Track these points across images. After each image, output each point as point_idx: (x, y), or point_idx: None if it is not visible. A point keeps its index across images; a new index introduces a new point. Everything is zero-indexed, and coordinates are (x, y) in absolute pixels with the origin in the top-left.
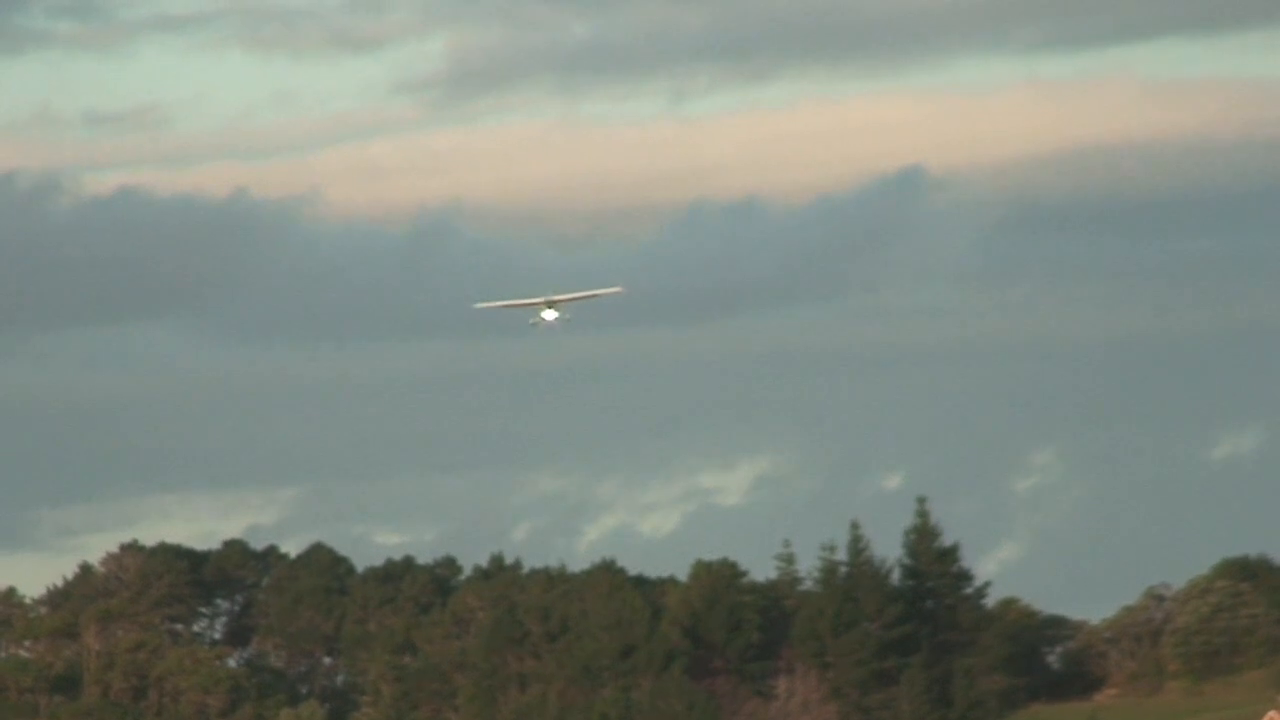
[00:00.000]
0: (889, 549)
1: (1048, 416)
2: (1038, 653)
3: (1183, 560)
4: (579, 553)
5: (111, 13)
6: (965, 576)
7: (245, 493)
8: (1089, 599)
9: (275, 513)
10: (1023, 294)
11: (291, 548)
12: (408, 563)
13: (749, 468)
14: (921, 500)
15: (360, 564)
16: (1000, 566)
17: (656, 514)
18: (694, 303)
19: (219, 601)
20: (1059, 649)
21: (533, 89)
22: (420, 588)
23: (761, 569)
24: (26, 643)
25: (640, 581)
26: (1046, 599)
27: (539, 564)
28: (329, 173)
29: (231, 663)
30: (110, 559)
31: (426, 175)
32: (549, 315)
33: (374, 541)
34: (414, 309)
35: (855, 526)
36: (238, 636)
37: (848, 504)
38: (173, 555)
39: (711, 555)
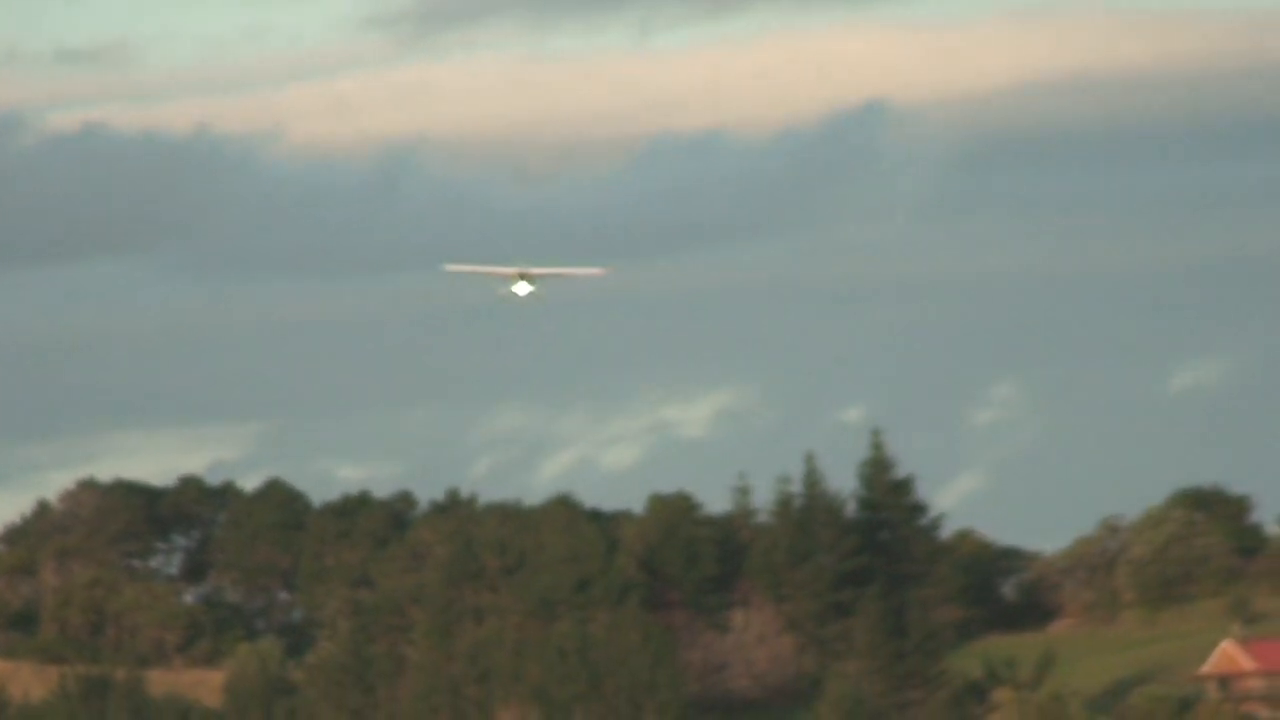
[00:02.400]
0: (848, 482)
1: (1007, 350)
2: (992, 584)
3: (1139, 491)
4: (538, 487)
5: None
6: (920, 508)
7: (209, 428)
8: (1045, 530)
9: (238, 448)
10: (984, 228)
11: (254, 483)
12: (364, 497)
13: (711, 401)
14: (876, 433)
15: (318, 499)
16: (959, 499)
17: (618, 447)
18: (656, 236)
19: (175, 537)
20: (1014, 580)
21: (501, 23)
22: (376, 522)
23: (721, 502)
24: None
25: (596, 515)
26: (1003, 530)
27: (498, 498)
28: (293, 108)
29: (188, 598)
30: (67, 495)
31: (391, 111)
32: (521, 289)
33: (337, 476)
34: (376, 245)
35: (810, 459)
36: (194, 572)
37: (808, 437)
38: (129, 492)
39: (672, 488)
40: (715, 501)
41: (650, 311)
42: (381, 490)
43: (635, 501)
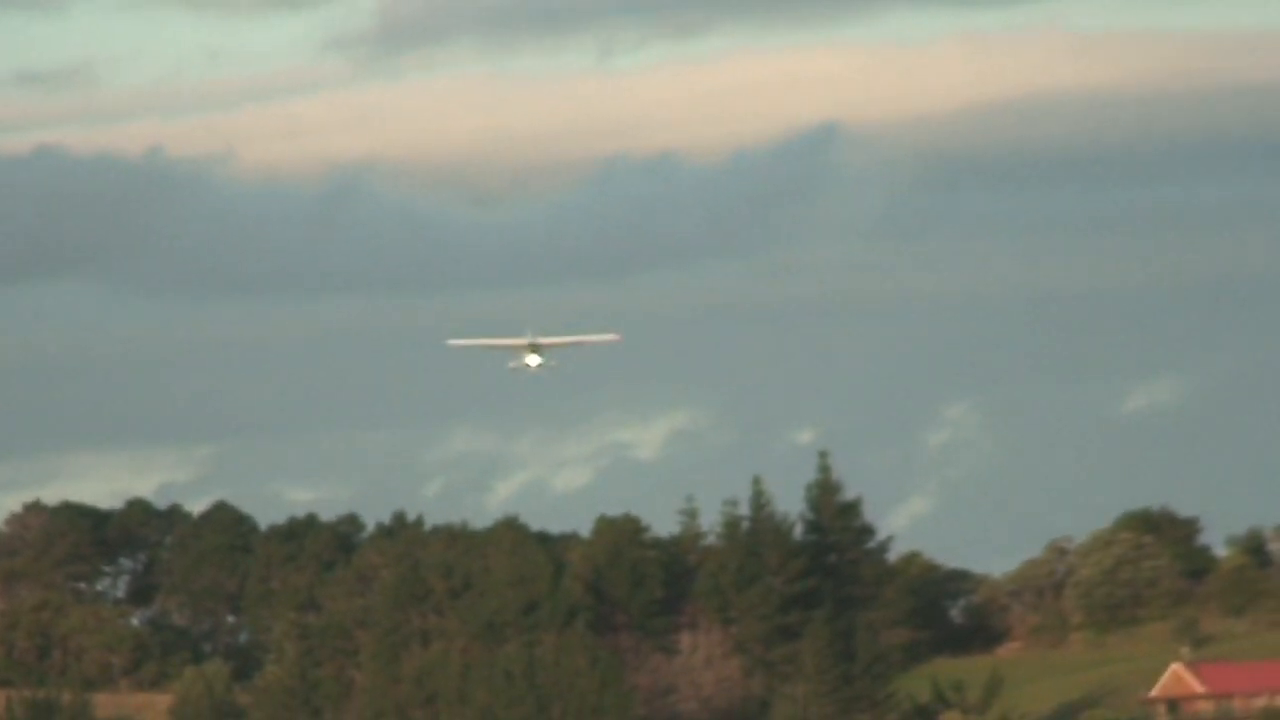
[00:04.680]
0: (800, 504)
1: (961, 371)
2: (940, 606)
3: (1088, 513)
4: (490, 509)
5: None
6: (868, 531)
7: (159, 451)
8: (995, 552)
9: (188, 470)
10: (938, 249)
11: (204, 506)
12: (310, 520)
13: (665, 423)
14: (824, 454)
15: (267, 521)
16: (911, 521)
17: (570, 469)
18: (610, 259)
19: (122, 560)
20: (962, 602)
21: (460, 45)
22: (323, 545)
23: (671, 524)
24: None
25: (544, 538)
26: (952, 553)
27: (449, 520)
28: (248, 131)
29: (135, 621)
30: (13, 519)
31: (346, 133)
32: (531, 360)
33: (287, 499)
34: (328, 267)
35: (757, 481)
36: (141, 595)
37: (760, 459)
38: (75, 514)
39: (624, 510)
40: (666, 524)
41: (605, 332)
42: (333, 512)
43: (586, 523)
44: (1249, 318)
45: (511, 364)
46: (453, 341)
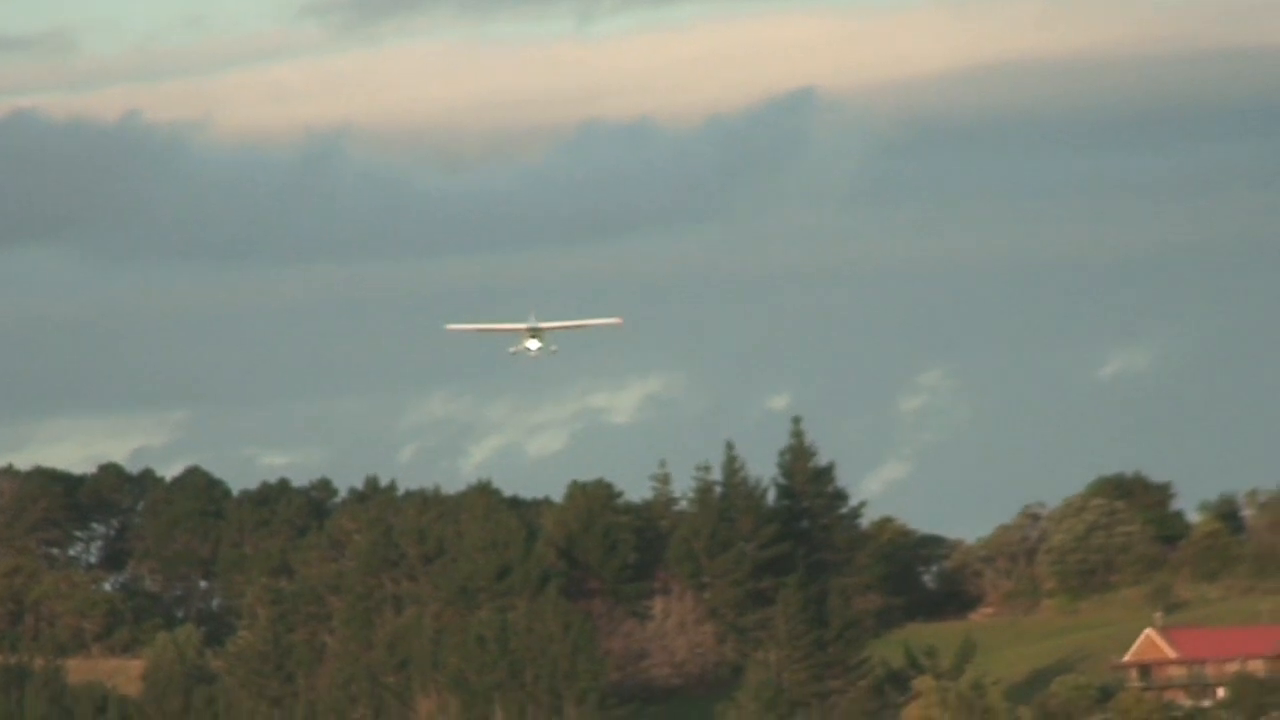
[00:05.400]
0: (772, 470)
1: (936, 338)
2: (914, 572)
3: (1062, 479)
4: (464, 475)
5: None
6: (841, 496)
7: (134, 416)
8: (969, 518)
9: (164, 435)
10: (914, 215)
11: (177, 471)
12: (283, 485)
13: (639, 388)
14: (797, 420)
15: (238, 487)
16: (885, 486)
17: (544, 435)
18: (585, 224)
19: (95, 525)
20: (935, 568)
21: (439, 10)
22: (296, 510)
23: (644, 489)
24: None
25: (516, 503)
26: (927, 519)
27: (422, 486)
28: (225, 96)
29: (107, 587)
30: None
31: (322, 98)
32: (532, 345)
33: (261, 464)
34: (303, 233)
35: (730, 447)
36: (114, 560)
37: (735, 424)
38: (48, 479)
39: (597, 475)
40: (639, 489)
41: (580, 299)
42: (306, 478)
43: (560, 488)
44: (1223, 285)
45: (512, 349)
46: (451, 326)
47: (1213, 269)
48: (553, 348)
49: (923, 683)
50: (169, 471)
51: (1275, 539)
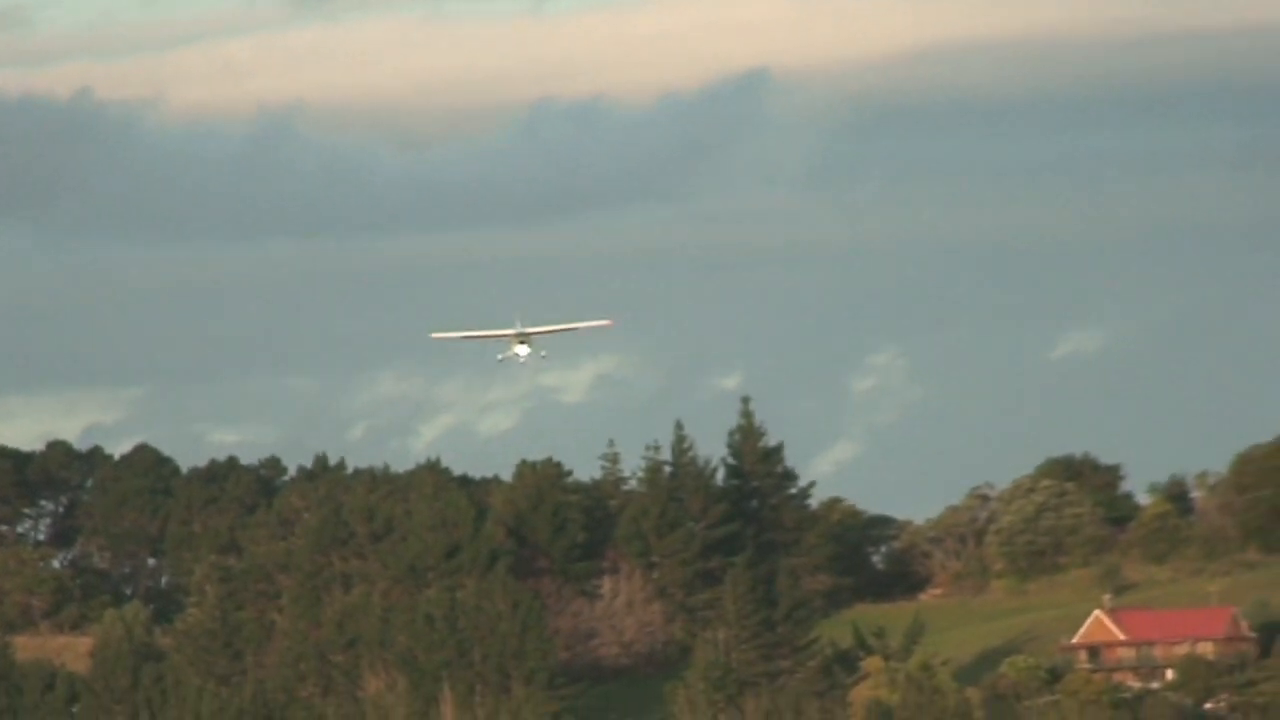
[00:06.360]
0: (721, 449)
1: (887, 318)
2: (862, 553)
3: (1011, 460)
4: (414, 453)
5: None
6: (790, 476)
7: (85, 393)
8: (918, 499)
9: (115, 412)
10: (867, 196)
11: (127, 448)
12: (232, 463)
13: (590, 367)
14: (746, 400)
15: (186, 465)
16: (835, 467)
17: (495, 413)
18: (537, 203)
19: (43, 502)
20: (884, 549)
21: None
22: (245, 488)
23: (593, 469)
24: None
25: (466, 481)
26: (876, 499)
27: (373, 463)
28: (179, 73)
29: (56, 564)
30: None
31: (277, 75)
32: (521, 351)
33: (211, 441)
34: (254, 211)
35: (679, 426)
36: (62, 538)
37: (685, 404)
38: None
39: (547, 454)
40: (589, 468)
41: (532, 277)
42: (255, 455)
43: (509, 468)
44: (1174, 268)
45: (500, 356)
46: (436, 335)
47: (1164, 252)
48: (542, 353)
49: (871, 663)
50: (120, 449)
51: (1224, 521)
